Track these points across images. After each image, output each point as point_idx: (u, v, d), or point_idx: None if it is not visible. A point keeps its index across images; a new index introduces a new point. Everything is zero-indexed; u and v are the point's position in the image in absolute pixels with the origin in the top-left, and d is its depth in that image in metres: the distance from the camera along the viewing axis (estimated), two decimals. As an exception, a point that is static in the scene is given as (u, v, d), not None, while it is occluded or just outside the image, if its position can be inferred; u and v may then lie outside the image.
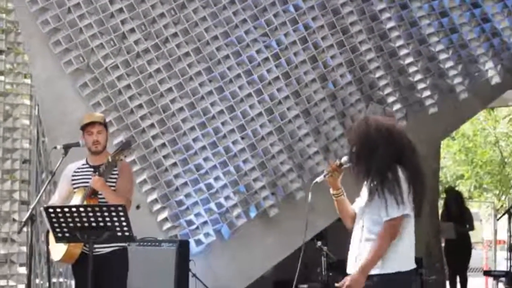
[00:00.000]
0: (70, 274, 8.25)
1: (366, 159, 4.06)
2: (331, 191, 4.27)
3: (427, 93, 8.24)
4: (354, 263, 4.13)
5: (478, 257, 18.00)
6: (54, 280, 8.27)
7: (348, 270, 4.17)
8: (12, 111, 8.32)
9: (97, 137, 5.49)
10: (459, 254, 11.24)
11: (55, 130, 7.52)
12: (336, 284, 4.09)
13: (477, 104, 9.11)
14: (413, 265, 4.14)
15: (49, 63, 7.55)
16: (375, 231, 4.04)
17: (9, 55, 8.38)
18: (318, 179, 4.27)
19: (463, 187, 22.31)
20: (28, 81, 8.43)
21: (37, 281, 8.31)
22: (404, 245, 4.09)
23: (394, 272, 4.05)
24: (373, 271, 4.04)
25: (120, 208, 4.80)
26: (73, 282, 8.17)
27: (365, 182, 4.12)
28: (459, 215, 11.07)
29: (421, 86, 8.23)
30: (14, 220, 8.34)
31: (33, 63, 7.77)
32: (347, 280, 4.05)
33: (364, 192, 4.16)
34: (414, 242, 4.18)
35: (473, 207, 23.37)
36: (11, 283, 8.28)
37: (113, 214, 4.81)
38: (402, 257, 4.09)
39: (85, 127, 5.50)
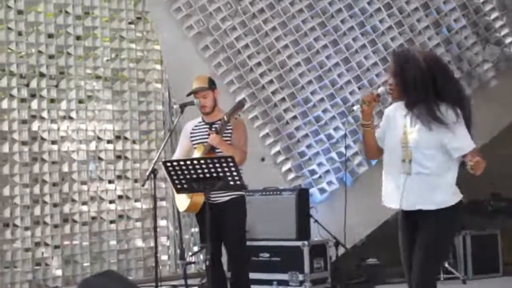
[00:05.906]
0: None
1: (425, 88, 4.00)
2: (362, 121, 4.20)
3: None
4: (396, 194, 4.11)
5: None
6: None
7: (388, 203, 4.20)
8: (144, 76, 8.90)
9: (203, 102, 5.85)
10: None
11: (182, 92, 8.01)
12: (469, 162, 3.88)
13: None
14: None
15: (173, 29, 8.06)
16: (427, 165, 4.04)
17: (138, 24, 8.93)
18: (355, 108, 4.20)
19: None
20: (157, 47, 8.94)
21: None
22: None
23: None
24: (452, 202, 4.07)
25: (229, 159, 5.20)
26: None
27: (412, 113, 4.05)
28: None
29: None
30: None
31: (159, 30, 8.33)
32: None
33: (403, 123, 4.09)
34: None
35: None
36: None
37: (224, 165, 5.22)
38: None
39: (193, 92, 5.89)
